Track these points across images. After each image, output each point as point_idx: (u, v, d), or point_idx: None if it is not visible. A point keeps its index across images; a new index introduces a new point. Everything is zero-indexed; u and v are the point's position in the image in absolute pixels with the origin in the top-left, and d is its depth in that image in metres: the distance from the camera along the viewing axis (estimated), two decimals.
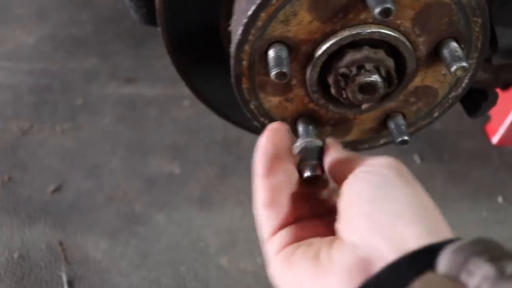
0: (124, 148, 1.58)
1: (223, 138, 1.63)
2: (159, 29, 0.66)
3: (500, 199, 1.51)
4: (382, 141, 0.68)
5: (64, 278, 1.26)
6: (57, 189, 1.46)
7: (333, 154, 0.50)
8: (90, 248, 1.32)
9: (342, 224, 0.43)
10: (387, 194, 0.42)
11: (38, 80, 1.82)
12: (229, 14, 0.61)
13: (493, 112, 1.70)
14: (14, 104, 1.73)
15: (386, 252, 0.38)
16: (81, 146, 1.59)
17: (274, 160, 0.48)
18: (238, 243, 1.32)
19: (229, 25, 0.62)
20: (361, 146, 0.68)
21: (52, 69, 1.87)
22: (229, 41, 0.61)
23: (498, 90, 0.76)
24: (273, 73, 0.52)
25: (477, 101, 0.73)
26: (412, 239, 0.38)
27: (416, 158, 1.63)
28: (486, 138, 1.69)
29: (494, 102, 0.73)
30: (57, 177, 1.50)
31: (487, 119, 1.73)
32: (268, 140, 0.48)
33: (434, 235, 0.39)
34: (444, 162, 1.63)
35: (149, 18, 0.73)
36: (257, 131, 0.59)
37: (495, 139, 1.68)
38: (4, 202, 1.43)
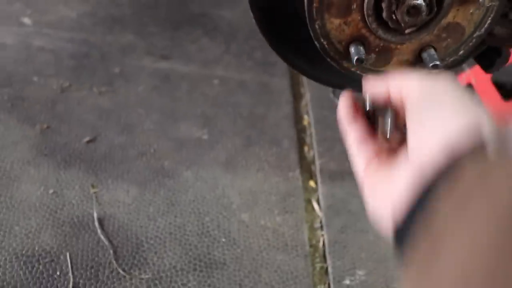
0: (157, 113, 1.68)
1: (249, 113, 1.73)
2: None
3: None
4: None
5: (95, 215, 1.34)
6: (91, 140, 1.56)
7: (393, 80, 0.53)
8: (120, 193, 1.41)
9: (408, 135, 0.47)
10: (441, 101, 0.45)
11: (78, 48, 1.94)
12: None
13: (498, 120, 1.81)
14: (55, 65, 1.84)
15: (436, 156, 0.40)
16: (116, 107, 1.69)
17: (355, 111, 0.58)
18: (259, 203, 1.41)
19: None
20: None
21: (91, 40, 1.99)
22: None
23: None
24: None
25: (491, 57, 0.84)
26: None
27: None
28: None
29: (507, 59, 0.84)
30: (92, 130, 1.60)
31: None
32: (347, 99, 0.59)
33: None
34: None
35: None
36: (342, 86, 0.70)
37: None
38: (42, 147, 1.53)
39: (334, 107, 1.73)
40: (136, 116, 1.67)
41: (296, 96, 1.88)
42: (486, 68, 0.89)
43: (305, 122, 1.77)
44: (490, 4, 0.71)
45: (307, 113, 1.81)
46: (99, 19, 2.10)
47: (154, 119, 1.66)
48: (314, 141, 1.69)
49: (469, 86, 2.03)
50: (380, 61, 0.78)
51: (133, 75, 1.83)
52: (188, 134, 1.62)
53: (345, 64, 0.79)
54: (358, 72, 0.80)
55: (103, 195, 1.40)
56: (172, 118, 1.68)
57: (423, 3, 0.66)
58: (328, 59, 0.78)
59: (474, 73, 2.04)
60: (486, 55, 0.87)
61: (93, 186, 1.42)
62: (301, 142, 1.69)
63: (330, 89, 1.93)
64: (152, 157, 1.53)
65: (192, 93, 1.80)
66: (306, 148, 1.67)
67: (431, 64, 0.73)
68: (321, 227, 1.41)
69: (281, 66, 1.99)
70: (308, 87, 1.91)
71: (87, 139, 1.56)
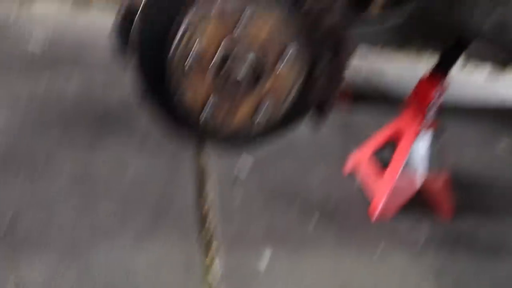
0: (75, 198, 1.90)
1: (159, 194, 2.01)
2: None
3: (377, 254, 1.91)
4: (258, 124, 1.14)
5: None
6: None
7: None
8: None
9: None
10: None
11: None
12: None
13: (374, 195, 2.21)
14: None
15: None
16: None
17: None
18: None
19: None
20: (244, 127, 1.14)
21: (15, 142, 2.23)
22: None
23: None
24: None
25: (316, 115, 1.24)
26: None
27: (311, 224, 2.05)
28: (369, 214, 2.18)
29: (327, 116, 1.23)
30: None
31: (371, 201, 2.23)
32: None
33: None
34: (333, 228, 2.06)
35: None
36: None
37: (376, 214, 2.17)
38: None
39: (237, 184, 2.04)
40: (56, 197, 1.88)
41: (201, 179, 2.19)
42: (314, 125, 1.28)
43: (209, 200, 2.07)
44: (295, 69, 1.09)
45: (210, 193, 2.11)
46: (25, 123, 2.37)
47: (72, 200, 1.89)
48: (215, 216, 1.97)
49: (353, 168, 2.45)
50: (229, 115, 1.13)
51: (55, 165, 2.07)
52: (103, 212, 1.85)
53: (204, 119, 1.13)
54: (215, 125, 1.14)
55: None
56: (89, 199, 1.91)
57: (249, 66, 1.03)
58: (191, 117, 1.12)
59: (357, 157, 2.48)
60: (313, 115, 1.26)
61: None
62: (203, 217, 1.96)
63: (233, 173, 2.27)
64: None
65: (110, 178, 2.06)
66: (208, 222, 1.94)
67: (262, 113, 1.10)
68: None
69: (189, 156, 2.33)
70: (212, 172, 2.24)
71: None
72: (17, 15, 3.70)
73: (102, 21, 4.45)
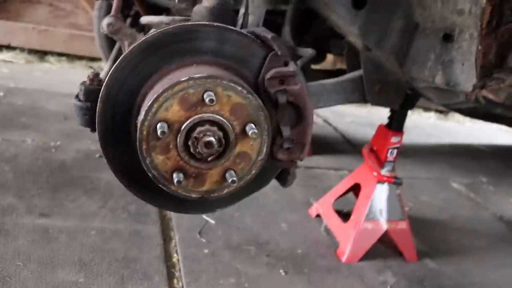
0: (35, 263, 1.83)
1: (123, 256, 1.96)
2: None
3: None
4: (225, 190, 1.14)
5: None
6: None
7: None
8: None
9: None
10: None
11: None
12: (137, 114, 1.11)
13: (341, 240, 2.27)
14: None
15: None
16: None
17: None
18: None
19: (137, 120, 1.11)
20: (212, 194, 1.14)
21: None
22: (136, 129, 1.09)
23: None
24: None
25: (284, 176, 1.25)
26: None
27: (281, 272, 2.05)
28: (337, 258, 2.22)
29: (294, 177, 1.26)
30: None
31: (337, 246, 2.28)
32: None
33: None
34: (304, 274, 2.07)
35: (90, 123, 1.20)
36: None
37: (344, 258, 2.21)
38: None
39: (200, 245, 2.03)
40: (14, 268, 1.80)
41: (166, 239, 2.16)
42: (282, 185, 1.29)
43: (174, 259, 2.03)
44: (260, 138, 1.12)
45: (176, 252, 2.08)
46: None
47: (32, 268, 1.81)
48: (183, 274, 1.93)
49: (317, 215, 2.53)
50: (198, 183, 1.13)
51: (12, 231, 1.99)
52: (65, 279, 1.78)
53: (173, 188, 1.13)
54: (183, 193, 1.14)
55: None
56: (50, 266, 1.84)
57: (214, 139, 1.05)
58: (160, 185, 1.11)
59: (320, 204, 2.56)
60: (281, 175, 1.28)
61: None
62: (170, 276, 1.92)
63: (197, 230, 2.25)
64: None
65: (70, 243, 1.99)
66: (175, 281, 1.90)
67: (230, 180, 1.10)
68: None
69: (153, 215, 2.30)
70: (177, 231, 2.21)
71: None
72: None
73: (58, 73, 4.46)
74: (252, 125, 1.07)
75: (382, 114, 2.77)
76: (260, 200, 2.63)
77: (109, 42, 3.00)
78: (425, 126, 5.30)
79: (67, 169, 2.61)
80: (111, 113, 1.13)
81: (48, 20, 5.01)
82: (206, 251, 2.12)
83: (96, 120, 1.13)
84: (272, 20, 1.74)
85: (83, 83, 1.26)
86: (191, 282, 1.90)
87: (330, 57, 3.66)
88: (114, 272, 1.87)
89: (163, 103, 1.03)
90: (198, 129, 1.05)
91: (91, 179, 2.55)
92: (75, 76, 4.41)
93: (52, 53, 4.99)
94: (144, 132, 1.04)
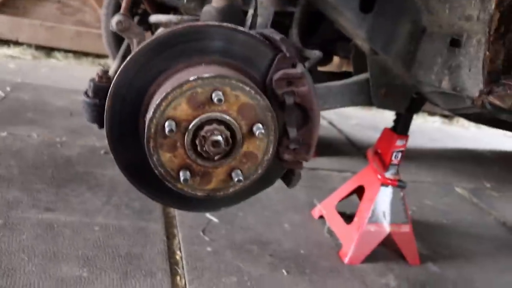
0: (39, 257, 1.85)
1: (126, 253, 1.97)
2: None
3: None
4: (231, 189, 1.15)
5: None
6: None
7: None
8: None
9: None
10: None
11: None
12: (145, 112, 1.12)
13: (344, 242, 2.27)
14: None
15: None
16: None
17: None
18: None
19: (145, 118, 1.12)
20: (218, 193, 1.15)
21: None
22: (144, 126, 1.10)
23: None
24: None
25: (289, 177, 1.26)
26: None
27: (284, 272, 2.06)
28: (340, 260, 2.22)
29: (299, 177, 1.26)
30: None
31: (340, 247, 2.28)
32: None
33: None
34: (306, 274, 2.08)
35: (98, 120, 1.21)
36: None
37: (346, 260, 2.21)
38: None
39: (203, 243, 2.05)
40: (18, 261, 1.81)
41: (170, 236, 2.16)
42: (287, 185, 1.30)
43: (178, 257, 2.04)
44: (266, 138, 1.12)
45: (179, 249, 2.09)
46: None
47: (36, 262, 1.82)
48: (185, 271, 1.94)
49: (321, 217, 2.53)
50: (204, 182, 1.14)
51: (17, 225, 2.01)
52: (69, 273, 1.79)
53: (179, 185, 1.14)
54: (189, 191, 1.15)
55: None
56: (54, 260, 1.85)
57: (221, 138, 1.06)
58: (166, 183, 1.13)
59: (323, 205, 2.57)
60: (286, 175, 1.29)
61: None
62: (173, 273, 1.93)
63: (201, 228, 2.26)
64: None
65: (74, 238, 2.00)
66: (178, 278, 1.91)
67: (236, 179, 1.11)
68: None
69: (157, 212, 2.31)
70: (180, 228, 2.22)
71: None
72: None
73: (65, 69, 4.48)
74: (260, 125, 1.08)
75: (387, 117, 2.78)
76: (264, 200, 2.64)
77: (117, 39, 3.02)
78: (430, 130, 5.30)
79: (72, 165, 2.63)
80: (119, 110, 1.14)
81: (56, 16, 5.03)
82: (209, 249, 2.13)
83: (104, 117, 1.14)
84: (280, 22, 1.75)
85: (92, 80, 1.28)
86: (193, 280, 1.91)
87: (336, 59, 3.66)
88: (118, 267, 1.88)
89: (172, 101, 1.04)
90: (206, 128, 1.06)
91: (96, 175, 2.56)
92: (81, 73, 4.44)
93: (59, 50, 5.02)
94: (152, 130, 1.05)
